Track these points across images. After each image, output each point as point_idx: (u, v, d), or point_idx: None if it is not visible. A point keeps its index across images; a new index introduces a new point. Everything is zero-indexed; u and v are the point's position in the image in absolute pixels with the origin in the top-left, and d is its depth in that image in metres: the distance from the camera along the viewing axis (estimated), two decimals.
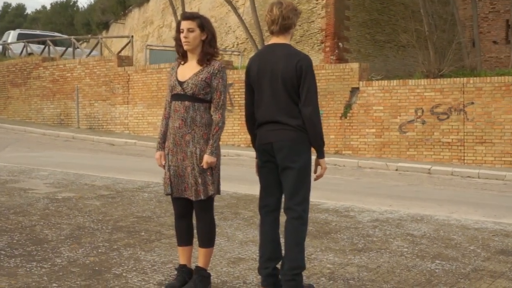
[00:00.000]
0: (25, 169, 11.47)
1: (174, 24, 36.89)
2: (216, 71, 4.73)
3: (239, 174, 12.99)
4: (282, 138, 4.57)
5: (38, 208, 7.73)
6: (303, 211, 4.61)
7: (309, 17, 23.64)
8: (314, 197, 9.76)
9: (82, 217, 7.28)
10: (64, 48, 27.52)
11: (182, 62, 4.88)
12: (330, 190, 10.53)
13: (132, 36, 26.40)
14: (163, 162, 4.86)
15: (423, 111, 17.01)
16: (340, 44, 22.56)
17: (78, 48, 27.65)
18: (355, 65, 17.85)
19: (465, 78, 16.72)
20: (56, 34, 35.43)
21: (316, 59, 22.65)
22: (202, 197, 4.69)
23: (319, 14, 23.14)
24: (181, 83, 4.75)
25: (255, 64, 4.70)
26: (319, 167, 4.70)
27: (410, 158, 17.11)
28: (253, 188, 10.02)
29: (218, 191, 4.78)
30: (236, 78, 19.83)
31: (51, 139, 20.85)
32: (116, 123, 22.73)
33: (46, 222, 6.96)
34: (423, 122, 17.00)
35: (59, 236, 6.30)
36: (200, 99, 4.71)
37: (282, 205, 4.72)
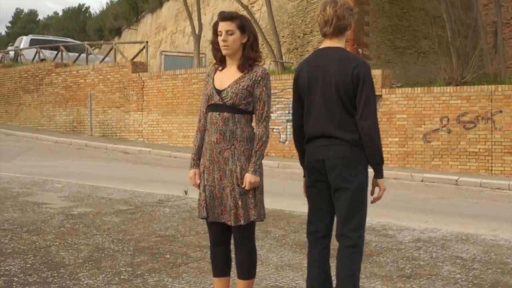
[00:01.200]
0: (38, 181, 10.93)
1: (188, 30, 36.44)
2: (259, 78, 4.17)
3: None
4: (335, 155, 4.00)
5: (53, 226, 7.18)
6: (358, 238, 4.04)
7: None
8: None
9: (101, 236, 6.73)
10: (77, 54, 27.08)
11: (220, 68, 4.33)
12: None
13: (147, 42, 25.90)
14: (198, 182, 4.29)
15: (448, 119, 16.38)
16: (360, 50, 21.94)
17: (91, 54, 27.19)
18: (377, 72, 17.25)
19: (493, 86, 16.08)
20: (69, 39, 35.03)
21: None
22: (242, 223, 4.12)
23: None
24: (219, 92, 4.19)
25: (305, 70, 4.13)
26: (376, 188, 4.14)
27: (435, 168, 16.46)
28: (280, 202, 9.49)
29: (260, 216, 4.20)
30: None
31: (64, 147, 20.35)
32: (130, 131, 22.21)
33: (62, 242, 6.40)
34: (449, 131, 16.37)
35: (77, 259, 5.74)
36: (241, 110, 4.16)
37: (334, 230, 4.15)
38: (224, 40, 4.17)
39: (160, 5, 42.60)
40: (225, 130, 4.15)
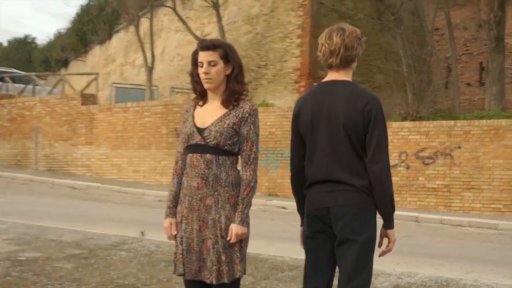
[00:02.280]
0: None
1: (138, 62, 35.85)
2: (247, 115, 3.68)
3: None
4: (343, 203, 3.52)
5: None
6: None
7: (282, 56, 22.80)
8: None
9: (53, 286, 6.06)
10: (23, 85, 26.13)
11: (200, 103, 3.82)
12: None
13: (98, 74, 25.19)
14: (174, 233, 3.75)
15: (407, 155, 16.16)
16: (315, 84, 21.68)
17: (38, 85, 26.29)
18: None
19: (451, 121, 15.97)
20: (14, 70, 33.96)
21: (290, 99, 21.75)
22: (226, 281, 3.59)
23: (293, 53, 22.30)
24: (200, 131, 3.68)
25: (308, 106, 3.66)
26: (385, 239, 3.65)
27: None
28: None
29: (244, 271, 3.68)
30: None
31: (7, 182, 19.36)
32: (77, 165, 21.37)
33: None
34: (408, 167, 16.14)
35: None
36: (226, 151, 3.65)
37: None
38: (206, 73, 3.68)
39: (110, 36, 41.87)
40: (207, 174, 3.63)
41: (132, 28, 33.40)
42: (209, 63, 3.68)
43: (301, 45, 22.19)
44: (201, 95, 3.82)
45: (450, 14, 22.93)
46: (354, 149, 3.53)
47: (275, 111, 18.13)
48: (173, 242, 3.82)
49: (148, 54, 24.61)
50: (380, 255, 3.68)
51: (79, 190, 18.24)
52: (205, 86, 3.72)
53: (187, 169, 3.71)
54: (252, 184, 3.65)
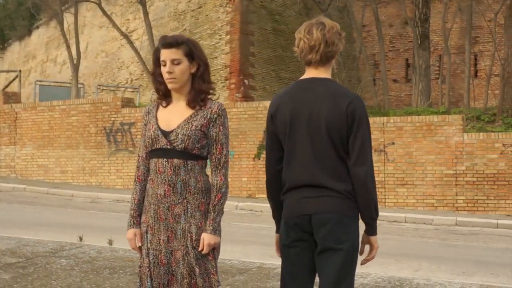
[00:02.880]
0: None
1: (60, 59, 34.87)
2: (215, 116, 3.43)
3: None
4: (326, 209, 3.29)
5: None
6: None
7: (212, 53, 22.53)
8: (257, 257, 8.55)
9: None
10: None
11: (164, 104, 3.54)
12: (270, 244, 9.32)
13: (20, 71, 24.26)
14: (139, 244, 3.47)
15: None
16: (245, 81, 21.57)
17: None
18: (269, 103, 16.83)
19: (385, 118, 16.11)
20: None
21: (221, 97, 21.56)
22: None
23: (223, 50, 22.10)
24: (166, 134, 3.40)
25: (285, 105, 3.40)
26: (367, 246, 3.46)
27: None
28: None
29: (220, 283, 3.45)
30: (139, 117, 18.34)
31: None
32: (1, 166, 20.49)
33: None
34: None
35: None
36: (195, 156, 3.40)
37: None
38: (169, 72, 3.40)
39: (29, 32, 40.58)
40: (175, 181, 3.37)
41: (53, 24, 32.47)
42: (172, 61, 3.41)
43: (230, 42, 22.01)
44: (164, 96, 3.54)
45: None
46: (336, 152, 3.32)
47: None
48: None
49: (73, 51, 23.86)
50: (362, 263, 3.49)
51: (4, 193, 17.46)
52: (169, 86, 3.45)
53: (152, 176, 3.44)
54: (223, 189, 3.41)
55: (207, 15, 23.30)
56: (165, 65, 3.42)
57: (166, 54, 3.41)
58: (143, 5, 22.71)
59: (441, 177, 15.30)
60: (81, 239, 8.68)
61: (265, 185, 3.61)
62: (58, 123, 19.60)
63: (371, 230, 3.39)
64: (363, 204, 3.32)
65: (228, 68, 21.72)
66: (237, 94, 21.14)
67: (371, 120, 16.01)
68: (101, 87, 25.90)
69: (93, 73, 31.01)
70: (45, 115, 19.82)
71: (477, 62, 24.86)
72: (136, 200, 3.52)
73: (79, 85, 24.02)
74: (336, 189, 3.29)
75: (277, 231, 3.56)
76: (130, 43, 23.38)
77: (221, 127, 3.43)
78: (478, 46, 24.29)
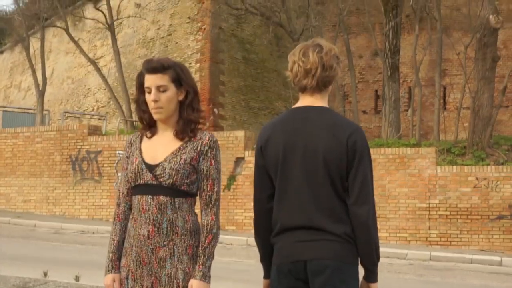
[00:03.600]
0: None
1: (24, 85, 34.19)
2: (206, 148, 3.10)
3: None
4: (323, 255, 2.97)
5: None
6: None
7: None
8: None
9: None
10: None
11: (149, 135, 3.19)
12: (243, 280, 8.95)
13: None
14: None
15: None
16: (215, 110, 21.26)
17: None
18: (240, 133, 16.56)
19: None
20: None
21: None
22: None
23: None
24: (151, 168, 3.05)
25: (278, 136, 3.08)
26: None
27: None
28: None
29: None
30: (106, 145, 17.86)
31: None
32: None
33: None
34: None
35: None
36: (183, 192, 3.06)
37: None
38: (155, 100, 3.06)
39: None
40: (161, 220, 3.02)
41: (18, 49, 31.90)
42: (158, 88, 3.07)
43: (200, 70, 21.73)
44: (149, 125, 3.20)
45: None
46: (335, 189, 3.00)
47: None
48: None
49: (39, 76, 23.32)
50: None
51: None
52: (155, 116, 3.11)
53: (135, 214, 3.08)
54: (214, 230, 3.07)
55: (176, 43, 23.02)
56: (149, 92, 3.09)
57: (151, 80, 3.08)
58: (112, 31, 22.33)
59: (414, 210, 15.09)
60: (45, 274, 8.18)
61: (252, 224, 3.27)
62: (22, 150, 19.02)
63: (372, 276, 3.07)
64: (364, 247, 3.01)
65: None
66: (207, 124, 20.81)
67: None
68: (67, 114, 25.36)
69: (59, 99, 30.41)
70: (8, 142, 19.22)
71: (445, 95, 24.94)
72: (115, 242, 3.16)
73: (44, 112, 23.46)
74: (335, 232, 2.97)
75: (266, 276, 3.22)
76: (98, 69, 22.93)
77: (212, 161, 3.10)
78: (446, 79, 24.38)
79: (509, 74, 19.73)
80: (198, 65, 21.78)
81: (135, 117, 23.44)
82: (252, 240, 14.77)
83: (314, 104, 3.11)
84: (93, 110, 27.76)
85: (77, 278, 7.94)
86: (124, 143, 17.46)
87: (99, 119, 25.55)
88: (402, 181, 15.17)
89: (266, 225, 3.15)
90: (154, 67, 3.08)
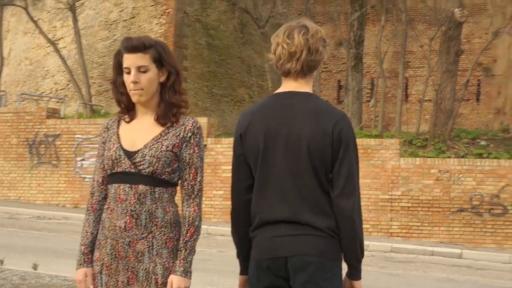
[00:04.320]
0: None
1: None
2: (189, 135, 2.90)
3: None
4: (305, 251, 2.79)
5: None
6: None
7: None
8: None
9: None
10: None
11: (127, 119, 2.96)
12: (204, 269, 8.76)
13: None
14: (92, 287, 2.87)
15: None
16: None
17: None
18: (203, 120, 16.31)
19: None
20: None
21: None
22: None
23: None
24: (130, 155, 2.84)
25: (258, 124, 2.88)
26: None
27: None
28: None
29: None
30: (64, 129, 17.43)
31: None
32: None
33: None
34: None
35: None
36: (164, 182, 2.85)
37: None
38: (134, 82, 2.83)
39: None
40: (139, 211, 2.81)
41: None
42: (138, 69, 2.85)
43: None
44: (127, 109, 2.97)
45: None
46: (318, 180, 2.81)
47: None
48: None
49: None
50: None
51: None
52: (134, 99, 2.89)
53: (111, 204, 2.86)
54: (196, 223, 2.87)
55: (139, 26, 22.58)
56: (128, 73, 2.86)
57: (130, 60, 2.85)
58: (73, 12, 21.79)
59: (376, 201, 15.08)
60: (1, 262, 7.86)
61: (229, 217, 3.07)
62: None
63: (355, 273, 2.91)
64: (348, 243, 2.84)
65: None
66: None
67: None
68: (24, 96, 24.70)
69: (15, 81, 29.63)
70: None
71: (408, 87, 25.06)
72: (88, 234, 2.94)
73: (1, 93, 22.81)
74: (318, 226, 2.79)
75: (242, 272, 3.03)
76: (57, 51, 22.36)
77: (196, 148, 2.90)
78: (410, 71, 24.50)
79: (472, 68, 19.86)
80: None
81: (95, 101, 23.02)
82: (213, 229, 14.62)
83: (298, 89, 2.90)
84: (51, 92, 27.11)
85: (35, 267, 7.64)
86: (86, 127, 17.04)
87: (57, 102, 24.95)
88: (365, 172, 15.10)
89: (245, 218, 2.95)
90: (134, 45, 2.86)
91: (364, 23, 22.60)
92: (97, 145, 14.92)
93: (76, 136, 16.98)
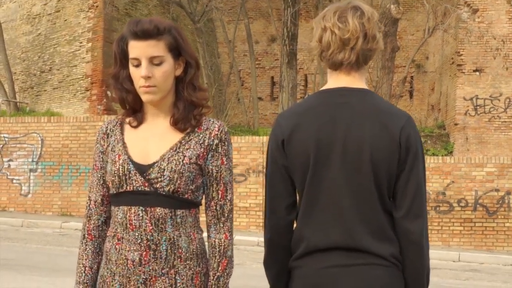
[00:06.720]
0: None
1: None
2: (216, 142, 2.29)
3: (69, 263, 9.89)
4: (367, 285, 2.24)
5: None
6: None
7: (70, 61, 20.72)
8: None
9: None
10: None
11: (134, 123, 2.34)
12: None
13: None
14: None
15: None
16: (108, 92, 19.94)
17: None
18: None
19: (264, 137, 15.36)
20: None
21: (81, 108, 19.85)
22: None
23: (84, 58, 20.32)
24: (142, 169, 2.21)
25: (308, 128, 2.31)
26: None
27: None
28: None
29: None
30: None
31: None
32: None
33: None
34: None
35: None
36: (187, 202, 2.24)
37: None
38: (147, 76, 2.21)
39: None
40: (158, 241, 2.19)
41: None
42: (150, 60, 2.23)
43: (92, 50, 20.37)
44: (133, 110, 2.35)
45: (241, 28, 22.60)
46: (381, 198, 2.28)
47: (70, 122, 16.24)
48: None
49: None
50: None
51: None
52: (145, 98, 2.26)
53: (119, 232, 2.23)
54: (229, 253, 2.29)
55: (65, 20, 21.48)
56: (137, 65, 2.23)
57: (140, 49, 2.22)
58: None
59: None
60: None
61: (264, 246, 2.50)
62: None
63: None
64: (414, 272, 2.32)
65: (90, 78, 20.00)
66: (99, 107, 19.52)
67: (250, 139, 15.23)
68: None
69: None
70: None
71: None
72: (86, 269, 2.29)
73: None
74: (380, 253, 2.26)
75: None
76: None
77: (224, 159, 2.31)
78: None
79: (409, 64, 19.86)
80: (90, 44, 20.39)
81: (19, 98, 21.80)
82: None
83: (352, 85, 2.35)
84: None
85: None
86: (13, 126, 15.97)
87: None
88: None
89: (285, 245, 2.38)
90: (145, 29, 2.22)
91: (297, 19, 22.30)
92: (25, 145, 13.86)
93: (3, 135, 15.96)
